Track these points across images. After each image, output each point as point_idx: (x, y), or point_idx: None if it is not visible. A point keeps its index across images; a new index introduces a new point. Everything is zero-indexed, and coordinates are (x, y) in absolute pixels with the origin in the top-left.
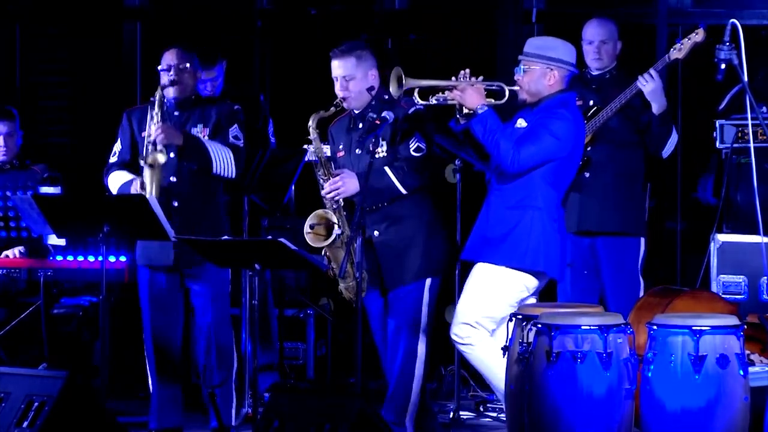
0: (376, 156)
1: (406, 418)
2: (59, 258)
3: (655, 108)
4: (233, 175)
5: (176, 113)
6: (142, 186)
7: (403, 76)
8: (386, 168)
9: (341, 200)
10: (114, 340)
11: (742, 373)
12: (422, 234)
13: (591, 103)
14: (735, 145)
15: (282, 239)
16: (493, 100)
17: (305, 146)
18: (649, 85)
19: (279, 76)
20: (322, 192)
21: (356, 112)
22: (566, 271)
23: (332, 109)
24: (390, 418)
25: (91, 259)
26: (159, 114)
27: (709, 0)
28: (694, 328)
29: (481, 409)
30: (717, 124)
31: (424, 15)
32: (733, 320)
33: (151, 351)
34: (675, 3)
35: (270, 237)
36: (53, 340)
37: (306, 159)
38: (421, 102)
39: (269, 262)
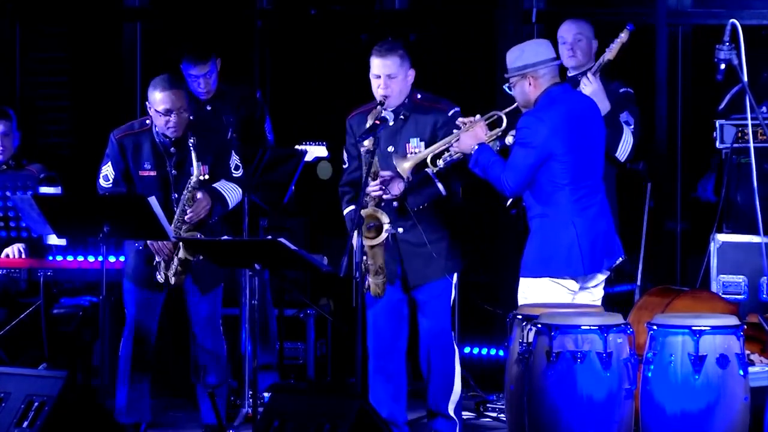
0: (411, 154)
1: (448, 407)
2: (59, 258)
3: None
4: (239, 201)
5: (172, 149)
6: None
7: (403, 161)
8: (429, 171)
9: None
10: (114, 340)
11: (742, 373)
12: (447, 232)
13: None
14: (735, 145)
15: (282, 239)
16: (498, 130)
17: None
18: (587, 88)
19: (279, 76)
20: (367, 189)
21: (388, 109)
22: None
23: (379, 108)
24: (438, 409)
25: (91, 259)
26: (188, 197)
27: (709, 0)
28: (694, 328)
29: (481, 409)
30: (717, 124)
31: (424, 15)
32: (733, 320)
33: (129, 344)
34: (675, 3)
35: (270, 237)
36: (53, 340)
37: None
38: (433, 169)
39: (269, 262)
